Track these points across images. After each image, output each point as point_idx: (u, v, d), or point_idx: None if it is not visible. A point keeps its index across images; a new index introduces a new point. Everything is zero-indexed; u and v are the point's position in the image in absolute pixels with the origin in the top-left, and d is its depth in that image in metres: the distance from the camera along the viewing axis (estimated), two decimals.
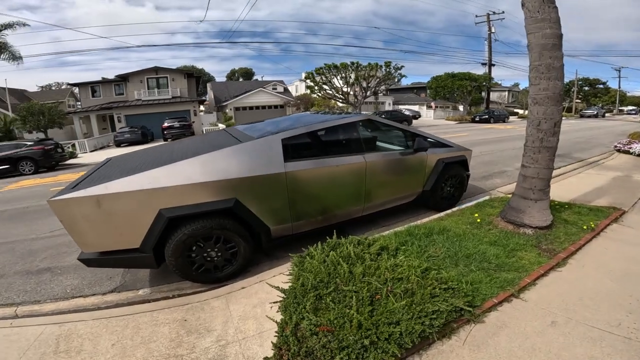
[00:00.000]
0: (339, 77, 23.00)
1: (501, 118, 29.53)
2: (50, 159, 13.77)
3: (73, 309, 2.95)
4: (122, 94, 28.62)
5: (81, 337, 2.45)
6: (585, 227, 3.64)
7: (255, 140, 3.25)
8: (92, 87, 28.99)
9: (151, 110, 26.60)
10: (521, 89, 54.29)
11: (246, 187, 3.00)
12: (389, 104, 38.74)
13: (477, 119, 28.46)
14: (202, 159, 2.94)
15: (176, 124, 20.49)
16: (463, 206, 4.65)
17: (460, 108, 34.63)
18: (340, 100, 24.42)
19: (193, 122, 24.52)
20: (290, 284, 2.49)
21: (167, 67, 28.77)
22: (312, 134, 3.61)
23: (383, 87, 25.30)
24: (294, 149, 3.41)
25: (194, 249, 2.91)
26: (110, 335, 2.43)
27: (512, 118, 33.81)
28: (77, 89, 31.08)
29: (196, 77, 31.33)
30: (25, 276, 3.62)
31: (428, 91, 33.05)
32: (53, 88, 49.73)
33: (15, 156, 13.01)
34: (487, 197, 5.01)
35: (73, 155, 17.42)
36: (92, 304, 3.01)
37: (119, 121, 26.40)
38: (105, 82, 29.22)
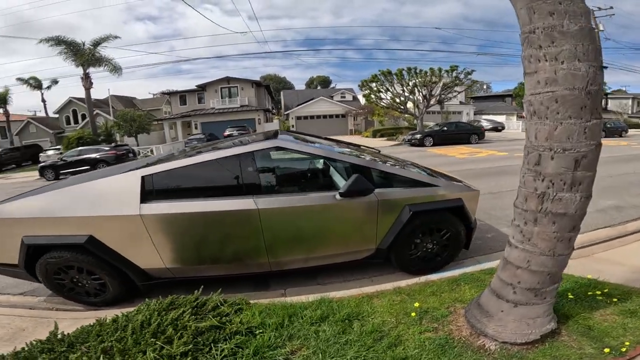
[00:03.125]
0: (397, 85, 21.09)
1: (616, 131, 23.58)
2: (121, 163, 15.88)
3: None
4: (203, 102, 31.92)
5: None
6: (607, 350, 1.93)
7: (115, 176, 2.99)
8: (180, 95, 33.11)
9: (222, 118, 28.90)
10: None
11: (102, 225, 2.83)
12: (467, 113, 34.47)
13: None
14: (59, 193, 2.99)
15: (235, 133, 21.72)
16: (437, 276, 3.17)
17: None
18: (400, 110, 22.41)
19: (254, 130, 25.66)
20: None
21: (238, 77, 31.01)
22: (187, 168, 2.92)
23: (451, 95, 22.33)
24: (159, 187, 2.89)
25: (61, 274, 2.96)
26: None
27: (632, 131, 26.76)
28: (169, 97, 35.80)
29: (265, 86, 32.96)
30: None
31: (515, 99, 28.25)
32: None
33: (94, 159, 15.33)
34: (491, 264, 3.37)
35: None
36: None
37: (196, 128, 29.40)
38: (190, 91, 33.03)
